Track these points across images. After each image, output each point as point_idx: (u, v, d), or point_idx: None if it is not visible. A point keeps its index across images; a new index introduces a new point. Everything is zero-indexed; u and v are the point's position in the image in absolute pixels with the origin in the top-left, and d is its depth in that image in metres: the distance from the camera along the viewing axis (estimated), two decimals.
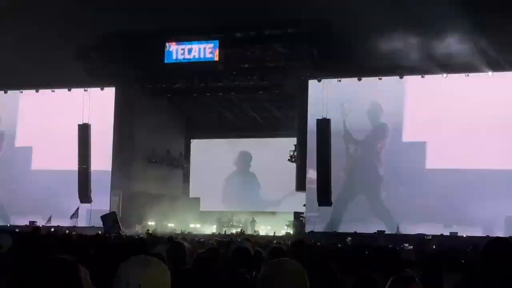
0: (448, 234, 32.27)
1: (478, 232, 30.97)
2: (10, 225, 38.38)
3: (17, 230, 24.38)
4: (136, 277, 3.00)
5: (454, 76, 35.05)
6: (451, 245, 19.98)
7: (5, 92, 42.89)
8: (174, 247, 6.85)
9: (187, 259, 7.20)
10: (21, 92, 42.66)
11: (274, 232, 37.75)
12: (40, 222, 36.52)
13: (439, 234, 31.67)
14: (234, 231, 37.94)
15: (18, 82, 40.86)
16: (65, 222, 36.56)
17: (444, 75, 34.99)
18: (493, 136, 33.48)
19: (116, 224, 16.24)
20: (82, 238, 14.77)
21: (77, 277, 3.08)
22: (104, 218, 16.47)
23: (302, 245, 8.94)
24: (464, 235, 31.44)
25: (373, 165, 36.48)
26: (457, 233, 32.53)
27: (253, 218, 40.63)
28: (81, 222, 37.48)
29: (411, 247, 25.12)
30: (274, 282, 3.33)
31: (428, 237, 27.65)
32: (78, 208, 37.65)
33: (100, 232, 21.35)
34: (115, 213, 16.56)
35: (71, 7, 35.14)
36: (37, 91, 42.17)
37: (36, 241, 10.70)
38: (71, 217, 37.01)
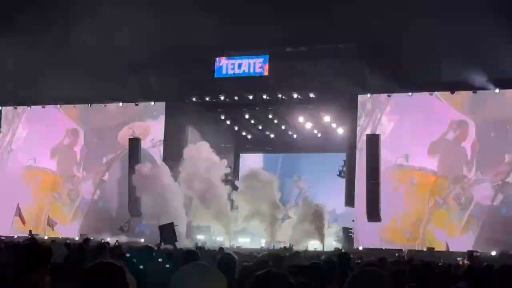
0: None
1: None
2: (61, 237, 38.92)
3: (68, 241, 24.70)
4: (193, 285, 3.00)
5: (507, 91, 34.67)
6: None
7: (59, 107, 43.61)
8: (225, 258, 6.84)
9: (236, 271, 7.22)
10: (74, 106, 43.33)
11: (323, 247, 37.52)
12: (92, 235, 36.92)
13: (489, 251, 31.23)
14: (282, 246, 37.76)
15: (72, 96, 41.55)
16: (115, 235, 36.89)
17: (497, 90, 34.59)
18: None
19: (173, 235, 16.26)
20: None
21: (124, 281, 3.14)
22: (162, 228, 16.49)
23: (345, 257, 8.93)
24: None
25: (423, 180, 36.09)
26: (508, 251, 31.97)
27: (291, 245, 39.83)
28: (131, 235, 37.85)
29: (461, 260, 24.86)
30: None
31: (477, 253, 27.25)
32: (128, 221, 38.03)
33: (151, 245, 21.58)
34: (173, 224, 16.54)
35: (124, 23, 35.63)
36: (90, 106, 42.81)
37: (87, 252, 10.89)
38: (120, 228, 37.35)
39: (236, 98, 40.67)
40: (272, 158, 48.75)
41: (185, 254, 7.98)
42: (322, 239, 38.27)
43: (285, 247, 35.36)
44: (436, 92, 35.94)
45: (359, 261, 16.48)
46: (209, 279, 3.09)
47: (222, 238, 40.33)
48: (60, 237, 38.79)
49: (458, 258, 24.90)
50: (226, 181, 42.73)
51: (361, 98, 37.41)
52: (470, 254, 25.50)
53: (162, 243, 15.47)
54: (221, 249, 15.67)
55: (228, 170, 41.44)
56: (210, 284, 3.09)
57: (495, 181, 34.17)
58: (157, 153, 40.74)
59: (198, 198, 39.31)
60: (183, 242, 36.32)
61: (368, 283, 3.25)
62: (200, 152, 39.87)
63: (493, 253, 31.26)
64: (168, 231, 15.72)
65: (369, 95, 37.18)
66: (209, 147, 40.35)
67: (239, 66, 38.57)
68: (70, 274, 5.35)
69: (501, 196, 33.88)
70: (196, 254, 7.99)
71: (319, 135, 45.78)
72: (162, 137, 40.75)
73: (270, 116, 44.25)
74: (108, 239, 32.90)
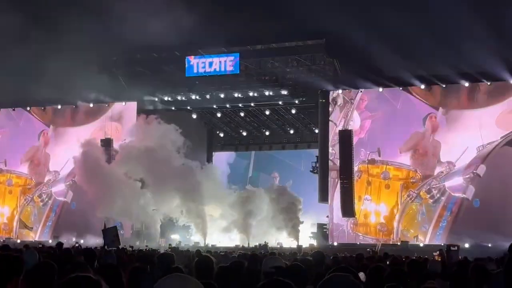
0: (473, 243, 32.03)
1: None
2: (34, 240, 38.58)
3: (40, 245, 24.48)
4: None
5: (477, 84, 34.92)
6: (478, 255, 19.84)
7: (29, 109, 43.25)
8: (202, 262, 6.76)
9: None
10: (43, 109, 43.00)
11: (297, 244, 37.55)
12: (65, 237, 36.63)
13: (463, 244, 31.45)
14: (257, 243, 37.74)
15: (42, 98, 41.23)
16: (89, 238, 36.63)
17: (466, 83, 34.84)
18: None
19: (116, 238, 16.66)
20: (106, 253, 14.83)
21: None
22: (105, 232, 16.98)
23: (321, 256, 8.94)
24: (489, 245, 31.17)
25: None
26: (482, 242, 32.28)
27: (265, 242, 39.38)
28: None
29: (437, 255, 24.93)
30: None
31: (454, 248, 27.37)
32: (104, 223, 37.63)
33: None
34: (116, 228, 17.18)
35: (93, 24, 35.39)
36: (59, 107, 42.47)
37: (60, 257, 10.78)
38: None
39: (207, 96, 40.59)
40: (245, 155, 48.73)
41: (160, 257, 7.89)
42: (296, 236, 38.34)
43: (260, 245, 35.38)
44: (407, 87, 36.09)
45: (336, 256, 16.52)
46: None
47: (196, 237, 40.17)
48: (33, 240, 38.50)
49: (435, 253, 25.02)
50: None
51: (332, 94, 37.49)
52: (447, 249, 25.57)
53: (106, 246, 15.76)
54: (197, 251, 15.61)
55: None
56: None
57: (466, 174, 34.43)
58: None
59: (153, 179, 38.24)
60: (158, 242, 36.34)
61: None
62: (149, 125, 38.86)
63: (466, 245, 31.45)
64: (110, 236, 16.11)
65: (340, 91, 37.26)
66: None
67: (210, 64, 38.53)
68: (42, 283, 5.27)
69: (473, 188, 34.14)
70: (171, 258, 7.91)
71: (291, 131, 45.90)
72: (134, 137, 40.41)
73: (242, 114, 44.24)
74: (82, 241, 32.78)
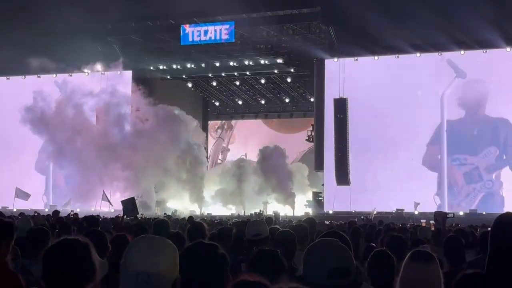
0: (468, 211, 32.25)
1: None
2: (30, 209, 38.60)
3: (35, 213, 24.50)
4: (145, 266, 2.93)
5: (471, 53, 34.85)
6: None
7: (24, 78, 43.03)
8: (194, 227, 6.92)
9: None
10: (39, 77, 42.73)
11: (294, 212, 37.73)
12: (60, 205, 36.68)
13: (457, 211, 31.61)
14: (253, 211, 37.90)
15: (37, 66, 41.01)
16: (84, 206, 36.67)
17: (462, 52, 34.79)
18: None
19: (134, 208, 17.27)
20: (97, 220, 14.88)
21: (89, 257, 3.10)
22: (124, 202, 17.63)
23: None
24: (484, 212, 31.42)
25: (392, 143, 36.21)
26: (476, 210, 32.51)
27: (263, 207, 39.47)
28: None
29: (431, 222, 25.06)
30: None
31: (450, 215, 27.52)
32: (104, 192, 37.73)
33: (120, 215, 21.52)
34: (134, 198, 17.88)
35: None
36: (55, 75, 42.28)
37: (55, 224, 10.82)
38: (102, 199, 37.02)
39: (203, 65, 40.46)
40: (239, 124, 48.77)
41: (155, 224, 7.97)
42: (292, 203, 38.51)
43: (255, 213, 35.53)
44: (402, 55, 36.01)
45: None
46: (160, 258, 3.03)
47: (192, 206, 40.33)
48: (29, 209, 38.51)
49: (422, 221, 25.21)
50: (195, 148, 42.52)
51: (328, 62, 37.39)
52: (442, 217, 25.67)
53: (125, 216, 16.30)
54: (190, 217, 15.70)
55: None
56: (161, 263, 3.02)
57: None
58: None
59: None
60: (153, 211, 36.48)
61: (328, 249, 3.25)
62: None
63: (461, 213, 31.65)
64: (128, 205, 16.78)
65: (336, 59, 37.16)
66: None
67: (205, 33, 38.31)
68: (34, 250, 5.31)
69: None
70: (165, 224, 8.02)
71: (287, 100, 45.89)
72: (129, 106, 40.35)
73: (237, 83, 44.16)
74: (78, 210, 32.79)
